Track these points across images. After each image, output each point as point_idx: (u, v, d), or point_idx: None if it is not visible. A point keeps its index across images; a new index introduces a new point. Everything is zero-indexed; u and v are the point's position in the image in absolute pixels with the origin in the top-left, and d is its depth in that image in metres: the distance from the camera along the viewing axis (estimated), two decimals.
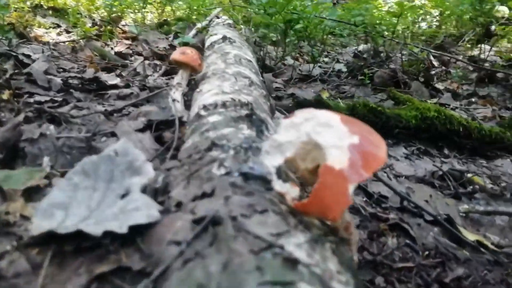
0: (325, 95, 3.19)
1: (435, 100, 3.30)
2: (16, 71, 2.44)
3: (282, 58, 3.47)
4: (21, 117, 1.21)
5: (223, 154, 0.87)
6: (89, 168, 0.79)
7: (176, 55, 1.59)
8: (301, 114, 0.79)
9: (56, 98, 1.71)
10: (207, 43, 2.44)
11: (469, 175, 1.86)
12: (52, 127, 1.33)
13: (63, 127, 1.35)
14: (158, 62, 2.89)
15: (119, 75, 2.67)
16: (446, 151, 2.38)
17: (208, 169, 0.82)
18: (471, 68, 4.01)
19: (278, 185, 0.72)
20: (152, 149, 1.18)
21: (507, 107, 3.11)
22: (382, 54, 4.08)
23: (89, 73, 2.09)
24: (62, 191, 0.76)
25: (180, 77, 1.62)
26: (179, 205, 0.71)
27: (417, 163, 1.96)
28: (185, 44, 3.39)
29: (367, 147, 0.72)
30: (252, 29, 3.60)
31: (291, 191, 0.72)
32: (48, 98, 1.67)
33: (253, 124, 1.09)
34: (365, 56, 4.17)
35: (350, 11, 3.57)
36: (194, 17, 5.04)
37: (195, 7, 4.62)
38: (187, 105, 1.65)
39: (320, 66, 3.90)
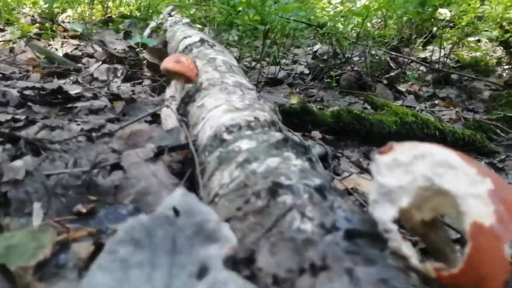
0: (295, 99, 3.09)
1: (399, 102, 3.34)
2: None
3: (259, 60, 3.31)
4: None
5: (297, 199, 0.70)
6: (140, 236, 0.58)
7: (169, 63, 1.37)
8: (404, 149, 0.65)
9: (17, 116, 1.41)
10: (180, 46, 2.21)
11: None
12: (28, 157, 1.06)
13: (43, 158, 1.08)
14: (118, 66, 2.59)
15: (76, 82, 2.34)
16: None
17: (289, 223, 0.65)
18: (424, 69, 4.15)
19: (404, 247, 0.57)
20: (171, 184, 0.97)
21: (468, 108, 3.23)
22: (340, 56, 4.09)
23: (50, 83, 1.77)
24: (107, 272, 0.55)
25: (174, 89, 1.40)
26: (279, 283, 0.54)
27: None
28: (144, 45, 3.10)
29: (504, 193, 0.59)
30: (216, 29, 3.40)
31: (416, 254, 0.58)
32: (8, 117, 1.36)
33: (297, 151, 0.92)
34: (325, 57, 4.15)
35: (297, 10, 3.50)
36: (138, 13, 4.71)
37: (144, 3, 4.30)
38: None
39: (283, 69, 3.79)
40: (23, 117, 1.43)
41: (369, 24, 5.62)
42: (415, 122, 2.48)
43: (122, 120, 1.69)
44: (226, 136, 1.04)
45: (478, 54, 4.13)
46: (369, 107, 2.84)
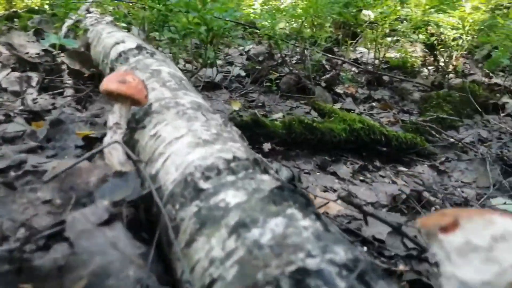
0: (236, 106, 2.91)
1: (338, 105, 3.32)
2: None
3: (204, 63, 3.06)
4: None
5: None
6: None
7: (111, 84, 1.10)
8: (476, 226, 0.51)
9: None
10: (113, 53, 1.90)
11: (425, 194, 1.82)
12: None
13: None
14: (32, 74, 2.18)
15: None
16: (377, 163, 2.36)
17: None
18: (357, 70, 4.21)
19: None
20: (138, 256, 0.73)
21: (403, 109, 3.31)
22: (276, 57, 3.98)
23: None
24: None
25: (118, 115, 1.14)
26: None
27: (374, 186, 1.84)
28: (62, 47, 2.68)
29: None
30: (145, 29, 3.07)
31: None
32: None
33: (300, 204, 0.75)
34: (260, 59, 4.01)
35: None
36: (50, 8, 4.16)
37: None
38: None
39: (219, 71, 3.58)
40: None
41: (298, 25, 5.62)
42: (362, 128, 2.44)
43: (46, 148, 1.37)
44: (202, 184, 0.83)
45: (401, 55, 4.28)
46: (315, 113, 2.76)
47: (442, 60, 3.98)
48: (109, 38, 2.25)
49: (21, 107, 1.79)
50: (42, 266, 0.69)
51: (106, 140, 1.13)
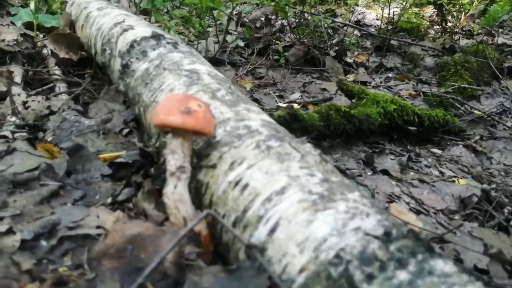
0: (248, 86, 2.60)
1: (352, 77, 3.06)
2: None
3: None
4: None
5: None
6: None
7: (172, 116, 0.79)
8: None
9: None
10: (120, 44, 1.53)
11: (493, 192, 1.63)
12: None
13: None
14: (14, 67, 1.78)
15: None
16: (410, 146, 2.17)
17: None
18: (359, 33, 3.92)
19: None
20: None
21: (422, 80, 3.09)
22: (274, 23, 3.63)
23: None
24: None
25: (182, 155, 0.84)
26: None
27: (437, 186, 1.64)
28: (39, 27, 2.25)
29: None
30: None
31: None
32: None
33: None
34: (257, 26, 3.63)
35: None
36: None
37: None
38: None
39: (214, 42, 3.19)
40: None
41: None
42: (395, 109, 2.21)
43: (69, 186, 1.06)
44: (365, 286, 0.57)
45: (407, 16, 4.00)
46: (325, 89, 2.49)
47: (451, 20, 3.74)
48: (103, 17, 1.86)
49: (13, 119, 1.43)
50: None
51: (169, 190, 0.84)
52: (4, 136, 1.21)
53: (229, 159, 0.88)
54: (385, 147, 2.10)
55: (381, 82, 2.98)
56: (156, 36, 1.46)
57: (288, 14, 3.05)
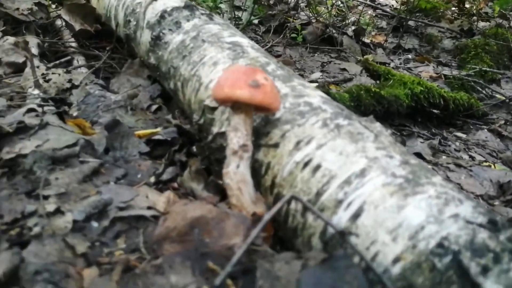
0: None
1: (370, 57, 2.97)
2: None
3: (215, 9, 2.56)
4: None
5: None
6: None
7: (239, 90, 0.72)
8: None
9: None
10: (149, 14, 1.43)
11: None
12: None
13: None
14: (29, 38, 1.68)
15: None
16: (433, 129, 2.11)
17: None
18: (373, 13, 3.81)
19: None
20: None
21: (442, 62, 3.01)
22: (288, 1, 3.51)
23: None
24: None
25: (245, 132, 0.77)
26: None
27: (475, 171, 1.59)
28: None
29: None
30: None
31: None
32: None
33: None
34: (270, 2, 3.51)
35: None
36: None
37: None
38: None
39: (228, 18, 3.08)
40: None
41: None
42: (422, 91, 2.15)
43: (108, 163, 0.99)
44: (486, 283, 0.52)
45: None
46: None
47: (469, 1, 3.64)
48: None
49: (36, 91, 1.35)
50: None
51: (232, 170, 0.77)
52: (32, 109, 1.13)
53: (293, 138, 0.81)
54: (413, 130, 2.04)
55: (400, 64, 2.90)
56: (189, 7, 1.37)
57: None
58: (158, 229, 0.72)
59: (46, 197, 0.79)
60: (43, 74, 1.53)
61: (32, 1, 1.83)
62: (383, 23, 3.62)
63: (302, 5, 3.48)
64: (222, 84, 0.75)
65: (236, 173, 0.78)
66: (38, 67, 1.57)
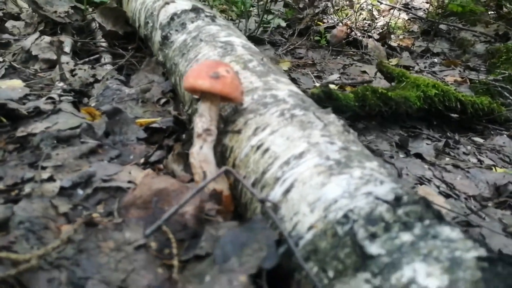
0: (285, 65, 2.61)
1: (394, 61, 2.98)
2: None
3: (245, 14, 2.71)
4: None
5: None
6: None
7: (201, 80, 0.83)
8: None
9: None
10: (161, 17, 1.59)
11: None
12: None
13: None
14: (63, 38, 1.90)
15: (11, 68, 1.67)
16: (450, 133, 2.10)
17: None
18: (406, 17, 3.78)
19: None
20: None
21: (469, 66, 2.95)
22: (318, 4, 3.57)
23: None
24: None
25: (209, 118, 0.89)
26: None
27: (472, 173, 1.59)
28: (89, 1, 2.36)
29: None
30: None
31: None
32: None
33: None
34: (300, 6, 3.60)
35: None
36: None
37: None
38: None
39: (262, 22, 3.20)
40: None
41: None
42: (437, 94, 2.14)
43: (107, 146, 1.14)
44: (368, 245, 0.60)
45: None
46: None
47: (507, 5, 3.52)
48: None
49: (61, 84, 1.54)
50: None
51: (195, 151, 0.89)
52: (51, 98, 1.31)
53: (253, 125, 0.91)
54: (422, 132, 2.05)
55: (425, 67, 2.88)
56: (195, 10, 1.50)
57: None
58: (127, 197, 0.85)
59: (44, 168, 0.95)
60: (71, 69, 1.73)
61: (68, 4, 2.06)
62: (415, 27, 3.58)
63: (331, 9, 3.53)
64: (188, 75, 0.87)
65: (199, 153, 0.89)
66: (67, 63, 1.78)
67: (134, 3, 2.02)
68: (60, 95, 1.38)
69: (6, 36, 1.96)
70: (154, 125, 1.28)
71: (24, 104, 1.23)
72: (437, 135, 2.09)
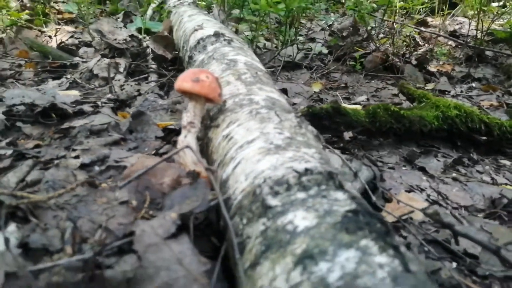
0: (317, 87, 2.79)
1: (431, 85, 3.03)
2: None
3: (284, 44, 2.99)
4: None
5: None
6: None
7: (185, 83, 1.09)
8: None
9: (2, 151, 1.15)
10: (191, 41, 1.90)
11: None
12: (13, 229, 0.82)
13: (32, 226, 0.84)
14: (119, 61, 2.29)
15: (73, 83, 2.07)
16: (474, 155, 2.11)
17: None
18: (453, 44, 3.79)
19: None
20: (202, 273, 0.72)
21: (509, 91, 2.91)
22: (361, 32, 3.73)
23: (39, 97, 1.48)
24: None
25: (192, 114, 1.13)
26: None
27: (470, 186, 1.64)
28: (147, 31, 2.78)
29: None
30: (226, 10, 3.05)
31: None
32: None
33: (377, 235, 0.66)
34: (344, 34, 3.79)
35: None
36: None
37: None
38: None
39: (298, 48, 3.45)
40: (9, 151, 1.17)
41: None
42: (458, 115, 2.18)
43: (129, 140, 1.43)
44: (271, 200, 0.78)
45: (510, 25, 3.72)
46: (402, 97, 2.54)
47: None
48: (189, 22, 2.26)
49: (109, 95, 1.89)
50: (112, 277, 0.71)
51: (180, 139, 1.13)
52: (95, 104, 1.65)
53: (228, 121, 1.13)
54: (439, 150, 2.10)
55: (461, 92, 2.89)
56: (217, 34, 1.78)
57: (370, 23, 3.16)
58: (126, 171, 1.11)
59: (74, 150, 1.25)
60: (121, 85, 2.10)
61: (127, 34, 2.47)
62: (458, 53, 3.58)
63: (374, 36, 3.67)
64: (178, 79, 1.13)
65: (183, 141, 1.13)
66: (119, 80, 2.15)
67: (179, 32, 2.37)
68: (104, 103, 1.72)
69: (76, 58, 2.41)
70: (170, 126, 1.55)
71: (73, 107, 1.58)
72: (457, 155, 2.13)
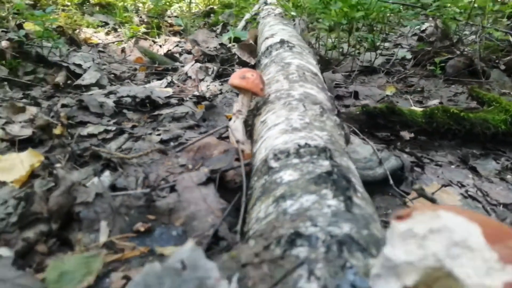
0: (390, 90, 2.90)
1: None
2: (69, 82, 2.39)
3: (335, 46, 3.18)
4: (74, 176, 1.10)
5: (312, 253, 0.69)
6: (152, 282, 0.64)
7: (235, 79, 1.41)
8: (423, 218, 0.60)
9: (109, 128, 1.61)
10: (262, 47, 2.24)
11: None
12: (107, 174, 1.22)
13: (119, 174, 1.24)
14: (209, 65, 2.73)
15: (171, 83, 2.55)
16: None
17: (295, 281, 0.65)
18: None
19: None
20: (218, 209, 1.03)
21: None
22: (451, 37, 3.66)
23: (141, 91, 1.96)
24: None
25: (240, 104, 1.45)
26: None
27: None
28: (236, 39, 3.19)
29: None
30: (307, 19, 3.32)
31: None
32: (101, 129, 1.57)
33: (337, 188, 0.89)
34: (431, 39, 3.76)
35: None
36: (241, 4, 4.81)
37: None
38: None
39: (381, 54, 3.55)
40: (114, 128, 1.62)
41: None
42: None
43: (201, 126, 1.80)
44: (273, 163, 1.05)
45: None
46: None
47: None
48: (268, 31, 2.60)
49: (195, 93, 2.31)
50: (160, 206, 1.06)
51: (230, 123, 1.45)
52: (181, 99, 2.07)
53: (267, 110, 1.42)
54: (504, 155, 2.09)
55: None
56: (282, 42, 2.08)
57: (452, 28, 3.14)
58: (189, 147, 1.47)
59: (158, 130, 1.66)
60: (207, 85, 2.52)
61: (217, 42, 2.91)
62: None
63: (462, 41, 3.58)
64: (231, 77, 1.45)
65: (232, 125, 1.45)
66: (207, 81, 2.58)
67: (260, 40, 2.72)
68: (189, 98, 2.14)
69: (177, 63, 2.92)
70: None
71: (163, 100, 2.02)
72: None
